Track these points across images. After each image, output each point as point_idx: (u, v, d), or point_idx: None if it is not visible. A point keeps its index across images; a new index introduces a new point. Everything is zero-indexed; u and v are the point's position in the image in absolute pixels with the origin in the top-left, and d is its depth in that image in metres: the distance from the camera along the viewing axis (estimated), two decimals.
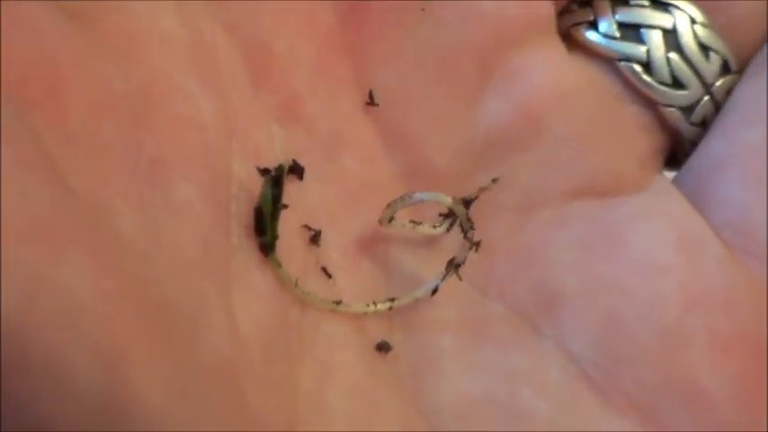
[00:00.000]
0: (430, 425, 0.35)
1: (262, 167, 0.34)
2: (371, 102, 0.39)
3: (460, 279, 0.36)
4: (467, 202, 0.37)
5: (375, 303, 0.36)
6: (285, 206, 0.34)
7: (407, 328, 0.37)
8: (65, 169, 0.28)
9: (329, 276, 0.36)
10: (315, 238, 0.36)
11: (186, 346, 0.29)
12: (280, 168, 0.34)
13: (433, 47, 0.39)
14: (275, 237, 0.33)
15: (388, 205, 0.36)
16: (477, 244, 0.36)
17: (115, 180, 0.30)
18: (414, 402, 0.35)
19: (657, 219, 0.38)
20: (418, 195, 0.36)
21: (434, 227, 0.38)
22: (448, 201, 0.35)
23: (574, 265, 0.37)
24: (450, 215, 0.37)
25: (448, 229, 0.38)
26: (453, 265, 0.36)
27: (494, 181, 0.39)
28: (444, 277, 0.36)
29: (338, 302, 0.35)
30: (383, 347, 0.36)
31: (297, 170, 0.36)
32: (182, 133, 0.32)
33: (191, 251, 0.30)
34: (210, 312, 0.30)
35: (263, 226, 0.33)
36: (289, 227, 0.35)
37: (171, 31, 0.34)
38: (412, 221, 0.37)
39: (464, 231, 0.36)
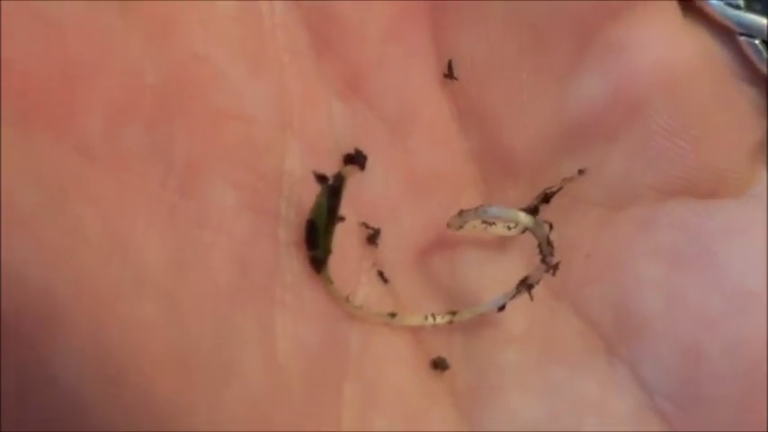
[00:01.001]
0: None
1: (319, 173, 0.30)
2: (450, 74, 0.34)
3: (531, 299, 0.32)
4: (547, 196, 0.34)
5: (434, 316, 0.32)
6: (342, 219, 0.30)
7: (469, 340, 0.33)
8: (73, 190, 0.24)
9: (385, 281, 0.33)
10: (372, 238, 0.33)
11: (214, 393, 0.26)
12: (339, 177, 0.29)
13: (523, 12, 0.34)
14: (328, 251, 0.30)
15: (460, 213, 0.32)
16: (555, 267, 0.32)
17: (140, 196, 0.26)
18: (468, 425, 0.32)
19: (756, 235, 0.33)
20: (494, 211, 0.31)
21: (509, 228, 0.33)
22: (528, 221, 0.31)
23: (659, 281, 0.33)
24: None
25: (523, 231, 0.33)
26: (525, 285, 0.32)
27: (580, 172, 0.34)
28: (513, 296, 0.32)
29: (393, 315, 0.32)
30: (439, 365, 0.33)
31: (358, 160, 0.31)
32: (222, 129, 0.28)
33: (225, 277, 0.27)
34: (244, 349, 0.27)
35: (316, 239, 0.29)
36: (344, 222, 0.31)
37: (216, 2, 0.28)
38: (484, 222, 0.33)
39: (542, 255, 0.31)
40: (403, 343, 0.32)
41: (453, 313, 0.32)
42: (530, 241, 0.32)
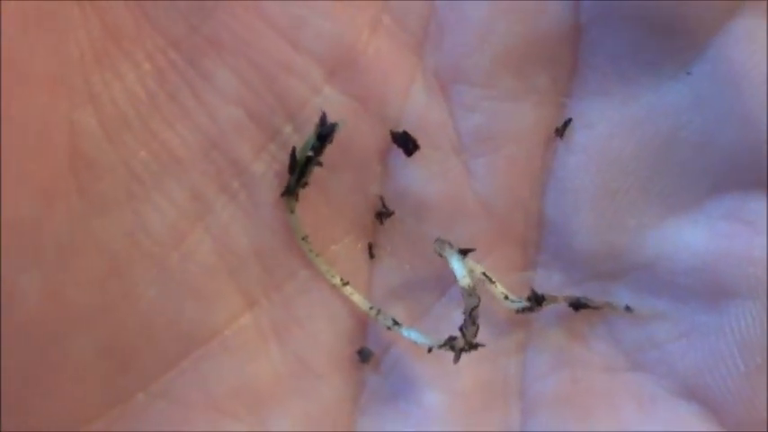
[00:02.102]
0: None
1: (324, 115, 0.31)
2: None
3: (455, 362, 0.30)
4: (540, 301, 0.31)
5: (380, 313, 0.32)
6: (320, 164, 0.31)
7: (401, 358, 0.32)
8: None
9: (371, 257, 0.33)
10: (381, 216, 0.33)
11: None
12: (331, 126, 0.30)
13: None
14: (299, 183, 0.31)
15: (436, 240, 0.31)
16: (472, 346, 0.30)
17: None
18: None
19: None
20: (449, 254, 0.30)
21: (506, 297, 0.31)
22: (465, 284, 0.29)
23: None
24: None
25: (521, 310, 0.32)
26: (449, 345, 0.30)
27: (627, 309, 0.32)
28: (440, 346, 0.31)
29: (345, 283, 0.32)
30: (365, 356, 0.33)
31: (405, 143, 0.31)
32: (262, 35, 0.31)
33: (191, 148, 0.31)
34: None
35: (293, 166, 0.31)
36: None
37: None
38: (485, 274, 0.31)
39: (463, 325, 0.30)
40: (341, 313, 0.32)
41: (397, 324, 0.32)
42: None
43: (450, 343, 0.30)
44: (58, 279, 0.28)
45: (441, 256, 0.30)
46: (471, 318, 0.28)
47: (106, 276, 0.29)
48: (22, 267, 0.27)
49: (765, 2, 0.28)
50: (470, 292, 0.28)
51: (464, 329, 0.29)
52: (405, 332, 0.31)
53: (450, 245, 0.30)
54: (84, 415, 0.29)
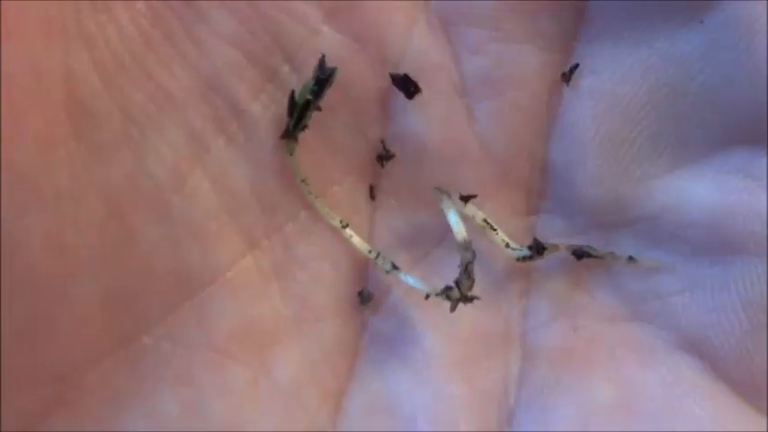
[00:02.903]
0: None
1: (323, 58, 0.30)
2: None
3: (451, 311, 0.30)
4: (542, 250, 0.31)
5: (379, 256, 0.32)
6: (319, 108, 0.30)
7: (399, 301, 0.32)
8: None
9: (372, 198, 0.33)
10: (382, 158, 0.32)
11: None
12: (330, 70, 0.30)
13: None
14: (299, 126, 0.30)
15: (435, 188, 0.31)
16: (466, 298, 0.30)
17: None
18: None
19: None
20: (447, 207, 0.30)
21: (507, 245, 0.31)
22: (461, 240, 0.29)
23: None
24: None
25: (526, 259, 0.31)
26: (445, 294, 0.30)
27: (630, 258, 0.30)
28: (437, 294, 0.31)
29: (345, 225, 0.32)
30: (365, 297, 0.32)
31: (406, 86, 0.31)
32: None
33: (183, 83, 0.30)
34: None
35: (292, 108, 0.30)
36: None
37: None
38: (486, 221, 0.31)
39: (458, 278, 0.30)
40: (342, 255, 0.32)
41: (396, 268, 0.31)
42: None
43: (446, 292, 0.30)
44: (58, 224, 0.28)
45: (439, 206, 0.30)
46: (467, 272, 0.28)
47: (107, 220, 0.29)
48: (23, 211, 0.27)
49: None
50: (466, 247, 0.28)
51: (459, 283, 0.29)
52: (402, 277, 0.31)
53: (449, 195, 0.29)
54: (89, 357, 0.29)
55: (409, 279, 0.31)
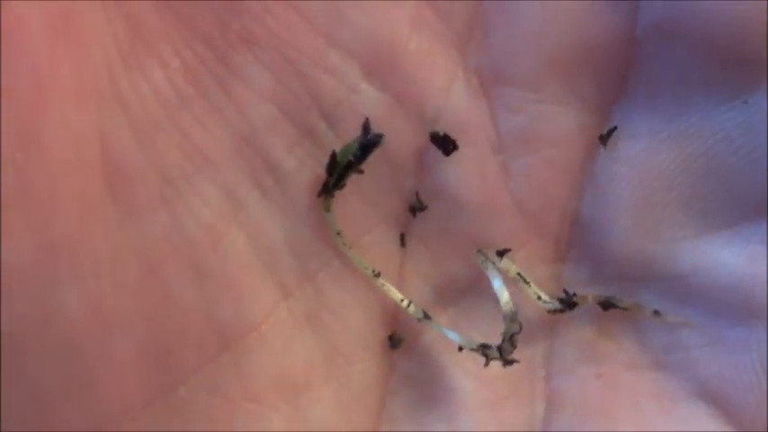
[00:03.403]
0: None
1: (368, 122, 0.30)
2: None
3: (485, 365, 0.31)
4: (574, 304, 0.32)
5: (410, 304, 0.32)
6: (361, 171, 0.31)
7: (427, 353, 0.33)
8: None
9: (402, 245, 0.33)
10: (414, 209, 0.33)
11: None
12: (377, 136, 0.30)
13: None
14: (337, 185, 0.31)
15: (478, 251, 0.32)
16: (508, 362, 0.31)
17: None
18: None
19: None
20: (493, 277, 0.31)
21: (539, 297, 0.32)
22: (507, 310, 0.30)
23: None
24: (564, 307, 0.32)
25: (553, 311, 0.32)
26: (482, 352, 0.31)
27: (656, 313, 0.32)
28: (472, 349, 0.32)
29: (377, 275, 0.32)
30: (395, 342, 0.33)
31: (444, 144, 0.31)
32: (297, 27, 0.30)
33: (226, 146, 0.31)
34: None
35: (332, 169, 0.31)
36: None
37: None
38: (520, 275, 0.32)
39: (501, 345, 0.31)
40: (371, 302, 0.33)
41: (428, 317, 0.32)
42: None
43: (482, 350, 0.31)
44: (96, 289, 0.28)
45: (483, 271, 0.31)
46: (511, 341, 0.29)
47: (143, 279, 0.29)
48: (62, 283, 0.27)
49: None
50: (512, 318, 0.29)
51: (501, 349, 0.30)
52: (435, 326, 0.32)
53: (494, 262, 0.30)
54: (126, 409, 0.30)
55: (442, 329, 0.32)
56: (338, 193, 0.31)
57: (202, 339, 0.30)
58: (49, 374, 0.28)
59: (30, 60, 0.26)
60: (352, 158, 0.30)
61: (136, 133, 0.28)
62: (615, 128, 0.30)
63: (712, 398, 0.31)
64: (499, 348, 0.30)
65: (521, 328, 0.30)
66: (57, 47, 0.27)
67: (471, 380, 0.33)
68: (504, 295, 0.29)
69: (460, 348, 0.32)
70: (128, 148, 0.28)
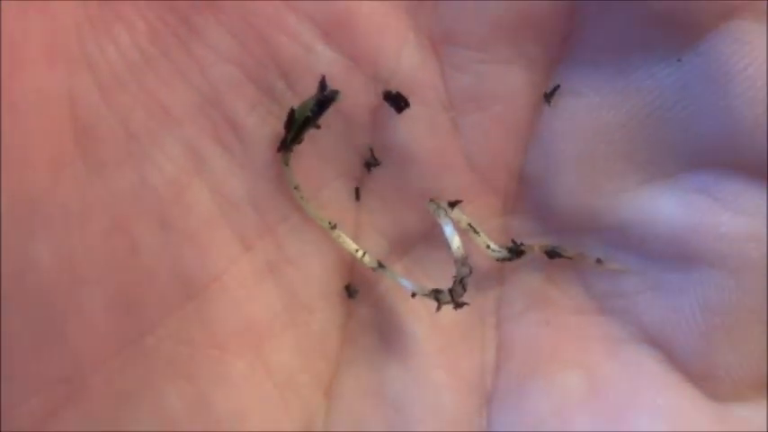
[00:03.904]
0: None
1: (324, 80, 0.32)
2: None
3: (437, 310, 0.33)
4: (521, 252, 0.34)
5: (365, 254, 0.34)
6: (318, 127, 0.32)
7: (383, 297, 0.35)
8: None
9: (357, 199, 0.35)
10: (370, 165, 0.34)
11: None
12: (332, 92, 0.32)
13: None
14: (295, 140, 0.32)
15: (430, 200, 0.33)
16: (458, 304, 0.33)
17: None
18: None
19: None
20: (444, 223, 0.32)
21: (488, 246, 0.34)
22: (458, 253, 0.32)
23: None
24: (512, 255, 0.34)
25: (502, 259, 0.34)
26: (434, 296, 0.33)
27: (598, 261, 0.34)
28: (425, 294, 0.33)
29: (334, 226, 0.34)
30: (351, 292, 0.35)
31: (397, 102, 0.33)
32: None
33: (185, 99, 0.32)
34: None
35: (290, 125, 0.32)
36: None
37: None
38: (470, 225, 0.34)
39: (452, 288, 0.33)
40: (328, 254, 0.34)
41: (382, 266, 0.34)
42: None
43: (435, 295, 0.33)
44: (66, 240, 0.29)
45: (436, 219, 0.32)
46: (462, 284, 0.31)
47: (111, 232, 0.30)
48: (34, 237, 0.28)
49: (766, 4, 0.29)
50: (463, 262, 0.31)
51: (453, 291, 0.32)
52: (389, 274, 0.34)
53: (444, 208, 0.32)
54: (95, 359, 0.31)
55: (396, 277, 0.33)
56: (297, 150, 0.32)
57: (168, 290, 0.31)
58: (22, 327, 0.29)
59: (4, 26, 0.27)
60: (309, 114, 0.31)
61: (103, 92, 0.30)
62: (558, 86, 0.32)
63: (655, 341, 0.33)
64: (450, 291, 0.32)
65: (471, 271, 0.31)
66: (28, 13, 0.28)
67: (425, 326, 0.35)
68: (454, 240, 0.31)
69: (413, 294, 0.33)
70: (95, 107, 0.29)
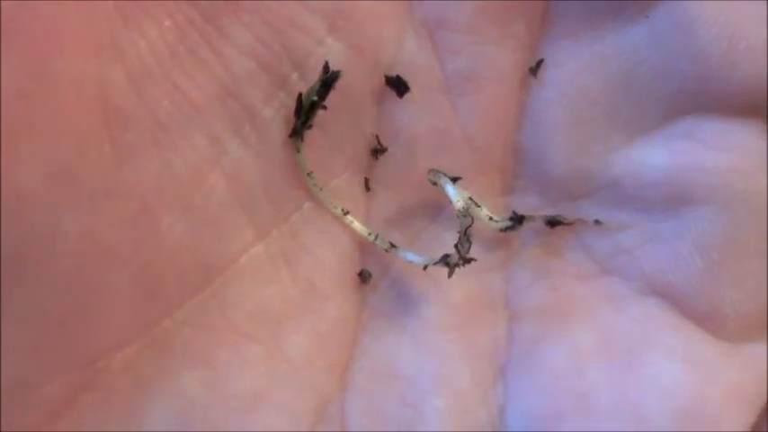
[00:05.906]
0: None
1: (327, 63, 0.34)
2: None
3: (449, 276, 0.35)
4: (522, 219, 0.36)
5: (377, 237, 0.36)
6: (324, 108, 0.35)
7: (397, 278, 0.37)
8: None
9: (367, 190, 0.37)
10: (377, 152, 0.37)
11: None
12: (334, 73, 0.34)
13: None
14: (305, 125, 0.35)
15: (430, 170, 0.36)
16: (466, 260, 0.34)
17: None
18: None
19: None
20: (444, 182, 0.34)
21: (490, 218, 0.36)
22: (460, 206, 0.34)
23: None
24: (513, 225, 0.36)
25: (504, 229, 0.36)
26: (444, 262, 0.35)
27: (597, 222, 0.36)
28: (435, 263, 0.35)
29: (346, 212, 0.36)
30: (365, 277, 0.37)
31: (398, 86, 0.36)
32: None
33: (205, 93, 0.34)
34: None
35: (299, 111, 0.35)
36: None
37: None
38: (471, 199, 0.35)
39: (458, 243, 0.34)
40: (341, 238, 0.36)
41: (393, 246, 0.36)
42: None
43: (444, 260, 0.34)
44: (93, 221, 0.31)
45: (434, 184, 0.34)
46: (466, 235, 0.33)
47: (136, 217, 0.32)
48: (62, 211, 0.30)
49: None
50: (465, 213, 0.33)
51: (459, 246, 0.33)
52: (401, 253, 0.36)
53: (444, 174, 0.34)
54: (116, 342, 0.32)
55: (407, 254, 0.35)
56: (309, 140, 0.35)
57: (187, 274, 0.33)
58: (51, 299, 0.30)
59: (45, 11, 0.30)
60: (315, 98, 0.34)
61: (132, 81, 0.32)
62: (542, 60, 0.35)
63: (659, 291, 0.34)
64: (457, 247, 0.33)
65: (473, 220, 0.33)
66: (66, 5, 0.31)
67: (437, 307, 0.36)
68: (455, 195, 0.33)
69: (425, 267, 0.35)
70: (124, 95, 0.32)
